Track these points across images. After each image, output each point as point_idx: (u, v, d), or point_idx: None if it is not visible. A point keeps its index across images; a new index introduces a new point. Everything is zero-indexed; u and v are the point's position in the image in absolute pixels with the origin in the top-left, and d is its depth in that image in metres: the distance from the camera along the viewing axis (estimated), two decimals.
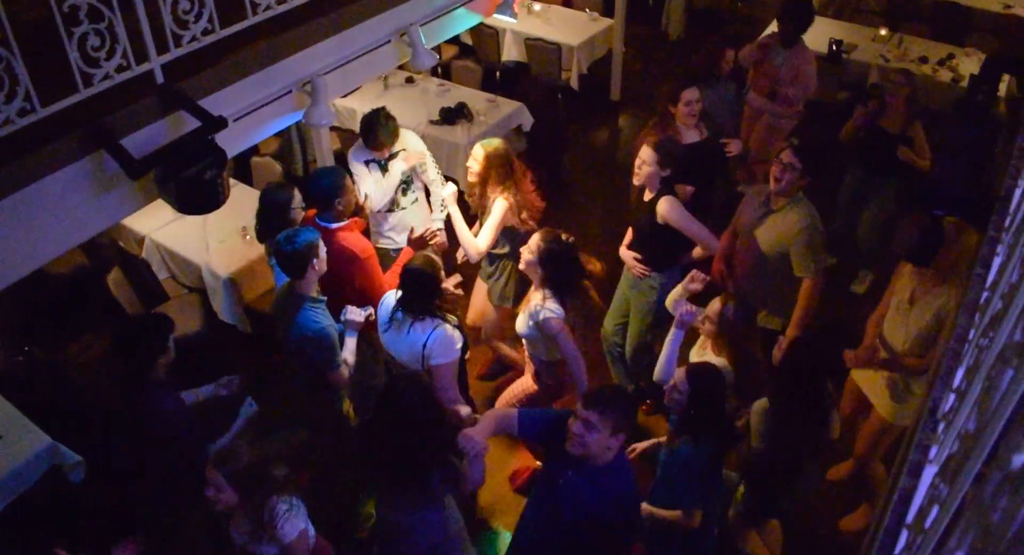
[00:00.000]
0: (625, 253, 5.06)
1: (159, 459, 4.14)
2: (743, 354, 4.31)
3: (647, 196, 4.84)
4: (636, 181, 4.83)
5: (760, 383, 4.28)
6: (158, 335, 4.01)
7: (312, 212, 4.82)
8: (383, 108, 5.40)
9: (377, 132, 5.27)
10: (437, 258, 4.40)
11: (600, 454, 3.27)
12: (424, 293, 4.11)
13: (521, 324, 4.43)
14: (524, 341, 4.53)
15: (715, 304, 4.26)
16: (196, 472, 3.54)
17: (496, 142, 5.00)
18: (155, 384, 4.02)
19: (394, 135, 5.37)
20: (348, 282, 4.67)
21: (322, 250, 4.27)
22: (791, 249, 4.73)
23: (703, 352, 4.38)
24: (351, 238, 4.70)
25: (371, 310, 4.44)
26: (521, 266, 4.45)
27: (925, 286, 4.26)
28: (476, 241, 4.95)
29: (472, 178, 5.02)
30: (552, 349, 4.41)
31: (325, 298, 4.36)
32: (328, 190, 4.66)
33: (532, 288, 4.44)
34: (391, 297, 4.30)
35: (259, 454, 3.46)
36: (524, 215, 5.00)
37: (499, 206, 4.91)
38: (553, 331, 4.24)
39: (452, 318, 4.23)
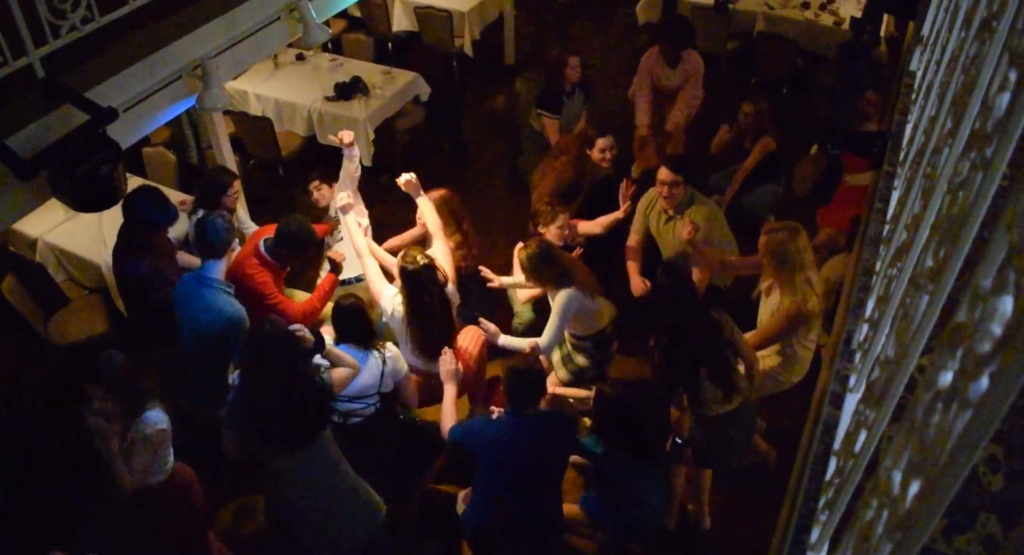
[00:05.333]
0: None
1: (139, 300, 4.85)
2: (559, 279, 4.56)
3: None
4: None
5: None
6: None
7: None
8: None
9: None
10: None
11: None
12: (362, 324, 4.27)
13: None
14: None
15: (516, 256, 4.67)
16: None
17: (440, 191, 5.14)
18: (132, 249, 4.58)
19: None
20: None
21: (236, 242, 4.37)
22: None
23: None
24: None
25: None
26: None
27: (775, 287, 4.53)
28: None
29: (422, 228, 5.07)
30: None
31: (233, 286, 4.38)
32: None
33: None
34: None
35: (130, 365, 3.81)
36: (459, 255, 5.06)
37: (438, 245, 4.88)
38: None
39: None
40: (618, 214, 5.24)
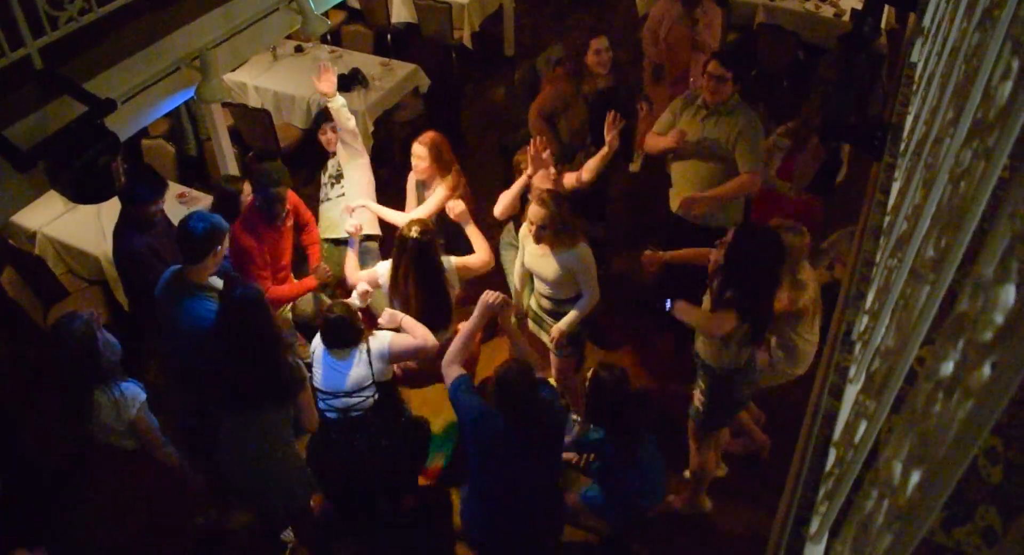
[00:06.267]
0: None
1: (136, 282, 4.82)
2: (575, 230, 4.49)
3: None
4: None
5: None
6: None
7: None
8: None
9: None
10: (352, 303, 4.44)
11: None
12: (351, 331, 4.18)
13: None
14: None
15: (535, 212, 4.39)
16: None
17: (429, 134, 5.13)
18: (130, 225, 4.57)
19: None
20: None
21: (227, 242, 4.29)
22: (736, 148, 4.93)
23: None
24: None
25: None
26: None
27: None
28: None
29: (422, 175, 5.14)
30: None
31: (218, 287, 4.33)
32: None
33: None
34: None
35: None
36: (461, 208, 5.03)
37: (440, 191, 5.05)
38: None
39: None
40: (604, 150, 4.94)
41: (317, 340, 4.29)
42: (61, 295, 5.98)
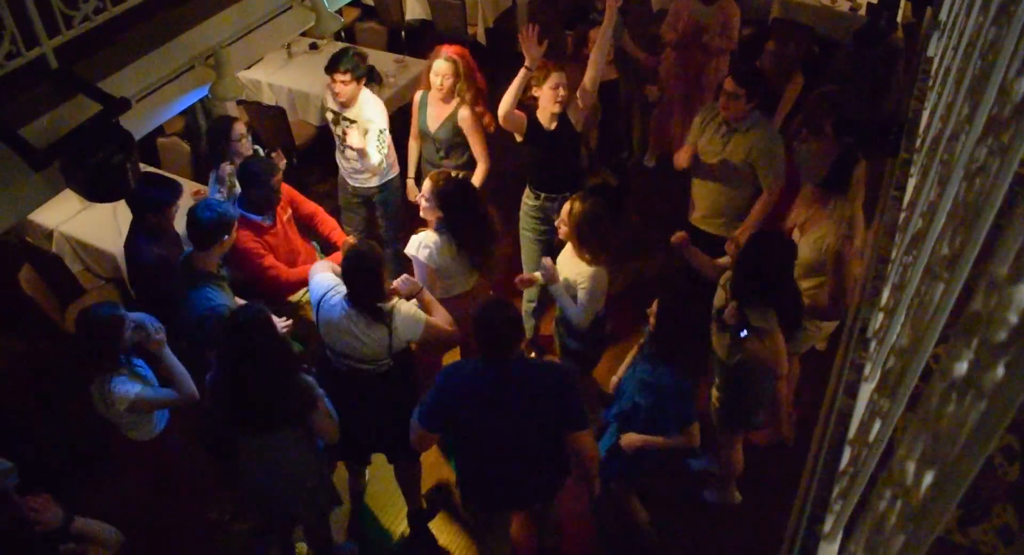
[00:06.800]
0: None
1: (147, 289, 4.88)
2: (600, 249, 4.41)
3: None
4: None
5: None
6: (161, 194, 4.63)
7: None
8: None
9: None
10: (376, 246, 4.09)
11: None
12: (375, 284, 3.90)
13: (410, 246, 4.51)
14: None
15: (566, 206, 4.39)
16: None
17: (454, 47, 5.31)
18: (144, 236, 4.61)
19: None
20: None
21: (234, 231, 4.31)
22: (758, 164, 4.92)
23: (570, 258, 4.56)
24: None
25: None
26: (421, 214, 4.49)
27: (816, 216, 4.43)
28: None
29: (441, 93, 5.33)
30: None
31: (226, 274, 4.36)
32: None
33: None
34: (327, 286, 4.06)
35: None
36: (487, 119, 5.31)
37: (468, 124, 5.30)
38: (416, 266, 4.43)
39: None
40: (604, 23, 4.92)
41: (325, 282, 4.06)
42: (78, 293, 6.01)
